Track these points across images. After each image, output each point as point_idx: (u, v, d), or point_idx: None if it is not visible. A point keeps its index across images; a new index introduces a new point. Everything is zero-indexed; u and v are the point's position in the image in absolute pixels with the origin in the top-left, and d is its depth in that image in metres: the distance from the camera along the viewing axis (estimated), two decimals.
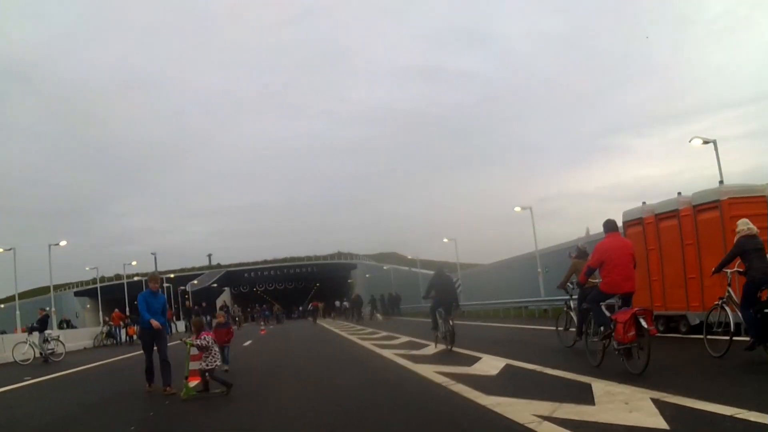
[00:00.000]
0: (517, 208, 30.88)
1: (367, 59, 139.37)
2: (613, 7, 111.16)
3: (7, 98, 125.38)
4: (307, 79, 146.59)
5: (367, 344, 15.84)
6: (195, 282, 62.77)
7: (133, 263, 53.36)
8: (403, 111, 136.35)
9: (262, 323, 31.30)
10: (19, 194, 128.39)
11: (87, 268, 53.20)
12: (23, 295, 79.04)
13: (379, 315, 38.32)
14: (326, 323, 38.32)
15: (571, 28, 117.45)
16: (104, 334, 27.66)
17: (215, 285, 66.55)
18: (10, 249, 32.57)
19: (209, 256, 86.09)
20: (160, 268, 77.59)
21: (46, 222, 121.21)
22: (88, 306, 64.85)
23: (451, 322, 12.24)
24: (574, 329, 10.49)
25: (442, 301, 12.91)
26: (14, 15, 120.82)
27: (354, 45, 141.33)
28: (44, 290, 72.25)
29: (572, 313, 10.89)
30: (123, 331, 28.78)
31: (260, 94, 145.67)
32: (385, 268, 58.93)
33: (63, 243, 34.78)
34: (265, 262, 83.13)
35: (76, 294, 67.58)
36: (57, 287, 72.44)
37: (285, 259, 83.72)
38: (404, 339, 16.59)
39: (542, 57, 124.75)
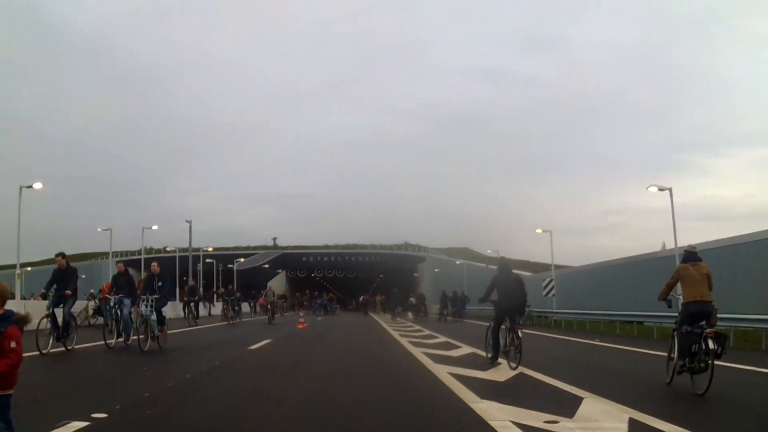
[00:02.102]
0: (538, 230, 34.75)
1: (434, 57, 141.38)
2: (688, 23, 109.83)
3: (76, 70, 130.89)
4: (371, 72, 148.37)
5: (442, 369, 11.48)
6: (242, 260, 60.59)
7: (154, 227, 47.69)
8: (466, 111, 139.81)
9: (301, 314, 27.53)
10: (81, 164, 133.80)
11: (99, 229, 47.54)
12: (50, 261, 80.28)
13: (449, 316, 33.90)
14: (384, 320, 34.32)
15: (644, 40, 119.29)
16: (91, 312, 22.55)
17: (267, 266, 64.16)
18: (107, 229, 38.66)
19: (274, 239, 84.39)
20: (217, 245, 76.84)
21: (104, 193, 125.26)
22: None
23: (519, 334, 9.62)
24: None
25: (507, 306, 10.15)
26: None
27: (421, 41, 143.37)
28: (80, 257, 72.68)
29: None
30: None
31: (323, 84, 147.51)
32: (458, 263, 54.39)
33: (155, 227, 40.85)
34: (326, 246, 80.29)
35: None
36: (92, 255, 73.20)
37: (347, 246, 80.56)
38: (466, 350, 12.39)
39: (612, 67, 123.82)
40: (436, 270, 61.63)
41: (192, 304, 25.54)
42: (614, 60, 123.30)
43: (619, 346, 14.88)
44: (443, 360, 10.58)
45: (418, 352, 11.86)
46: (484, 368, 9.37)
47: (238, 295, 31.15)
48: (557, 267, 48.82)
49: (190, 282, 32.00)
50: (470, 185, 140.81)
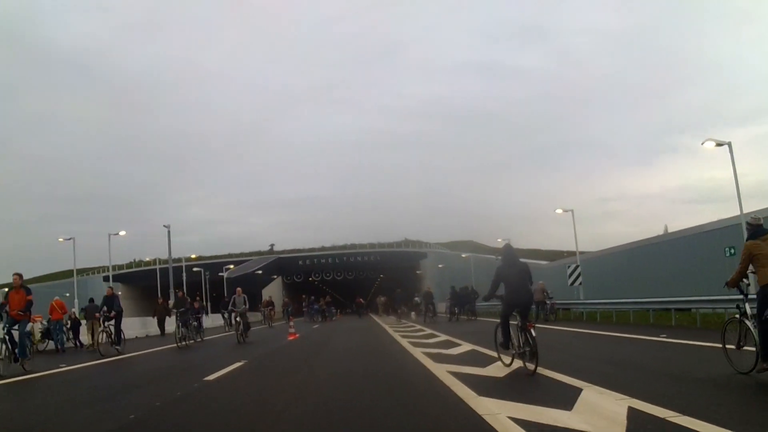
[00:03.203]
0: (559, 210, 31.05)
1: (424, 54, 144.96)
2: (673, 3, 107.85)
3: (68, 88, 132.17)
4: (363, 74, 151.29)
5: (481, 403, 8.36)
6: (231, 267, 57.25)
7: (122, 233, 44.74)
8: (459, 107, 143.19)
9: (291, 324, 23.30)
10: (77, 183, 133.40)
11: (60, 239, 42.09)
12: (47, 278, 77.09)
13: (462, 315, 30.37)
14: (388, 323, 31.08)
15: (631, 25, 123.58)
16: (39, 335, 19.47)
17: (260, 272, 60.79)
18: (69, 239, 34.41)
19: (272, 245, 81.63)
20: (211, 254, 73.56)
21: (103, 210, 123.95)
22: (120, 293, 60.55)
23: (532, 332, 8.36)
24: (753, 348, 7.04)
25: (515, 300, 8.98)
26: (78, 7, 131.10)
27: (410, 40, 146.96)
28: (67, 274, 69.38)
29: (749, 323, 7.24)
30: (71, 332, 21.32)
31: (316, 87, 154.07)
32: (463, 256, 51.25)
33: (123, 233, 36.04)
34: (323, 248, 77.14)
35: (106, 279, 63.79)
36: (82, 271, 69.64)
37: (345, 246, 77.45)
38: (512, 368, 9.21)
39: (601, 54, 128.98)
40: (440, 266, 58.49)
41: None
42: (604, 46, 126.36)
43: (681, 340, 11.69)
44: (473, 381, 7.41)
45: (444, 374, 8.64)
46: (546, 395, 6.21)
47: (194, 305, 24.19)
48: (570, 254, 45.80)
49: (179, 294, 28.60)
50: (469, 179, 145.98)
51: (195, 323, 21.32)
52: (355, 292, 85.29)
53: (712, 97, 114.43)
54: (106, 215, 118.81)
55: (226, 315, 30.32)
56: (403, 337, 18.51)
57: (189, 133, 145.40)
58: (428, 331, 21.33)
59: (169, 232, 35.81)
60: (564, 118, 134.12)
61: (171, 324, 22.26)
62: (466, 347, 13.22)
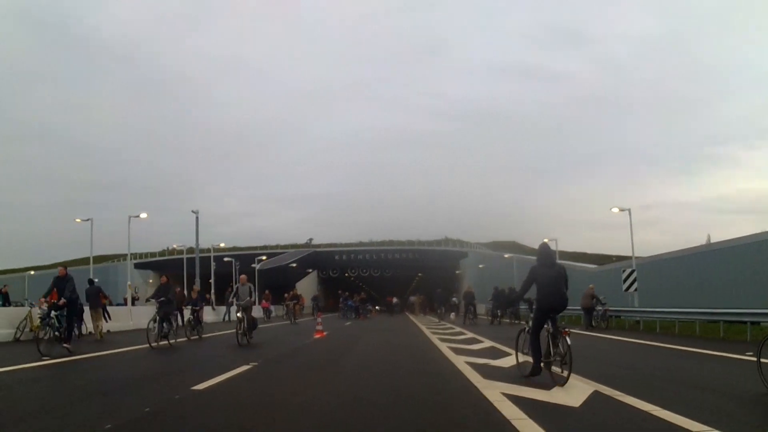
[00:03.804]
0: (615, 209, 29.60)
1: (464, 55, 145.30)
2: (716, 12, 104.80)
3: (109, 76, 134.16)
4: (402, 72, 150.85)
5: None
6: (263, 258, 56.08)
7: (143, 215, 43.61)
8: (499, 108, 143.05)
9: (319, 320, 20.88)
10: (115, 171, 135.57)
11: (77, 220, 40.08)
12: (76, 263, 77.57)
13: (505, 317, 28.27)
14: (425, 324, 29.28)
15: (672, 32, 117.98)
16: (37, 321, 15.62)
17: (294, 265, 59.59)
18: (87, 219, 34.67)
19: (310, 239, 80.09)
20: (244, 246, 72.87)
21: (138, 199, 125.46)
22: (151, 281, 60.36)
23: (568, 340, 7.63)
24: None
25: (548, 304, 8.10)
26: None
27: (451, 40, 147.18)
28: (98, 259, 69.42)
29: None
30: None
31: (354, 84, 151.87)
32: (506, 256, 48.96)
33: (144, 215, 35.68)
34: (360, 244, 75.63)
35: (137, 266, 63.58)
36: (112, 257, 69.79)
37: (383, 242, 75.71)
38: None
39: (642, 61, 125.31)
40: (481, 266, 56.24)
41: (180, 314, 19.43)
42: (641, 53, 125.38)
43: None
44: (540, 412, 5.55)
45: (500, 399, 6.80)
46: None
47: (191, 294, 22.19)
48: (620, 258, 43.10)
49: (195, 286, 27.36)
50: (509, 181, 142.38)
51: (192, 317, 18.71)
52: (392, 289, 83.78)
53: (756, 108, 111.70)
54: (140, 203, 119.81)
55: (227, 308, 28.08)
56: (443, 340, 16.68)
57: (226, 126, 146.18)
58: (469, 334, 19.46)
59: (197, 218, 34.66)
60: (603, 124, 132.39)
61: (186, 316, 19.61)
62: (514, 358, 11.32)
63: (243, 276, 17.56)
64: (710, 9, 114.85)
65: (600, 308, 24.33)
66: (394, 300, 54.11)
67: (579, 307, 24.16)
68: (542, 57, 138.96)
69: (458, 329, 23.17)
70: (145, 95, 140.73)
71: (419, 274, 78.76)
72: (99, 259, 71.27)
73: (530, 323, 8.45)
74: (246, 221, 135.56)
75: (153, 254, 68.86)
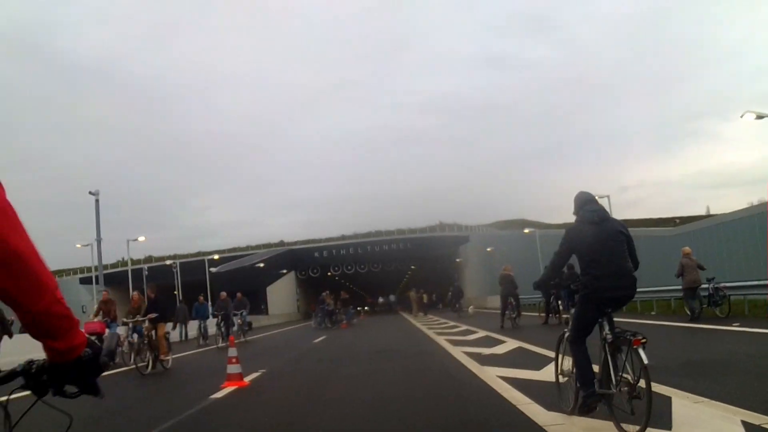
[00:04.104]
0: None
1: (435, 49, 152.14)
2: None
3: (87, 94, 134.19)
4: (375, 71, 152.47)
5: None
6: (215, 257, 46.21)
7: (141, 239, 38.18)
8: (472, 100, 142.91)
9: (232, 355, 10.36)
10: (97, 188, 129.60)
11: (78, 245, 38.55)
12: None
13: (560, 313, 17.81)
14: (434, 329, 19.75)
15: (640, 11, 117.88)
16: None
17: (261, 265, 49.64)
18: (87, 245, 31.91)
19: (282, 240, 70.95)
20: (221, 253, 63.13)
21: (125, 215, 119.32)
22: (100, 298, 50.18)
23: (642, 355, 4.14)
24: None
25: (608, 291, 4.70)
26: (90, 17, 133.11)
27: (421, 36, 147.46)
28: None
29: None
30: None
31: (329, 86, 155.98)
32: (527, 231, 39.69)
33: (141, 239, 33.36)
34: (342, 237, 65.94)
35: (83, 282, 53.56)
36: (57, 273, 59.55)
37: (368, 234, 66.19)
38: None
39: (613, 42, 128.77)
40: (489, 249, 46.73)
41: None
42: (614, 34, 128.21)
43: None
44: None
45: None
46: None
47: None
48: (681, 220, 33.97)
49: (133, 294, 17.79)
50: (490, 170, 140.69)
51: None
52: (382, 286, 74.11)
53: (731, 81, 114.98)
54: (124, 220, 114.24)
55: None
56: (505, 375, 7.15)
57: (205, 137, 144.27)
58: (542, 352, 9.90)
59: (97, 200, 24.79)
60: (578, 108, 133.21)
61: None
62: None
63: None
64: None
65: (708, 285, 15.07)
66: (381, 299, 46.40)
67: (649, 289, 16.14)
68: (512, 46, 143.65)
69: (503, 337, 13.52)
70: (124, 111, 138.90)
71: (412, 267, 69.46)
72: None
73: (571, 323, 4.90)
74: (232, 231, 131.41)
75: (105, 266, 58.66)
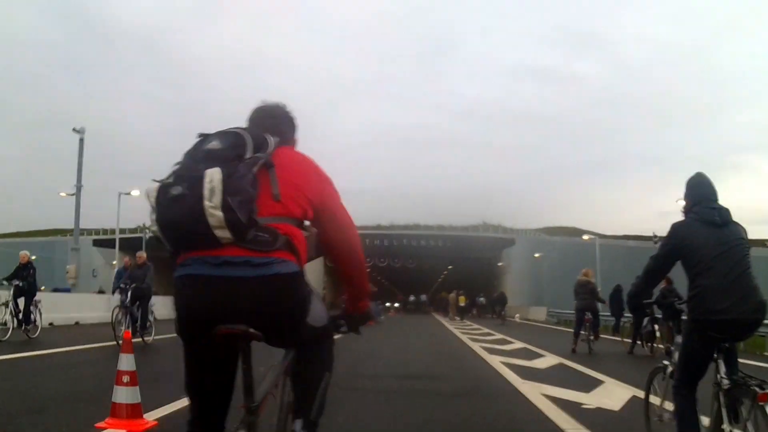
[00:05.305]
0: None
1: (481, 56, 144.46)
2: (731, 20, 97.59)
3: (129, 63, 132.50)
4: (420, 71, 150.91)
5: None
6: None
7: (134, 192, 35.23)
8: (514, 109, 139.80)
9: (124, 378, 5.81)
10: (132, 156, 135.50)
11: (62, 194, 34.15)
12: (27, 234, 65.48)
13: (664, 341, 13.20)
14: (465, 332, 15.71)
15: (688, 38, 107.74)
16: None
17: None
18: (72, 194, 27.87)
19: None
20: None
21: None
22: (115, 262, 47.50)
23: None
24: None
25: (725, 313, 3.20)
26: None
27: (469, 42, 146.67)
28: (54, 232, 57.19)
29: None
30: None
31: (371, 81, 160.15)
32: (586, 238, 35.34)
33: (135, 192, 33.30)
34: (378, 227, 62.02)
35: (96, 243, 50.99)
36: (65, 232, 57.15)
37: (407, 227, 62.09)
38: None
39: (657, 65, 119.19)
40: (537, 255, 42.31)
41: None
42: (662, 58, 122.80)
43: None
44: None
45: None
46: None
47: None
48: None
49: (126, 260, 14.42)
50: (529, 180, 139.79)
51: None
52: (415, 284, 70.16)
53: None
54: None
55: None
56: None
57: (243, 117, 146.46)
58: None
59: (81, 139, 21.57)
60: (620, 126, 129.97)
61: None
62: None
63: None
64: (721, 16, 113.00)
65: None
66: (412, 297, 43.66)
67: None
68: (557, 59, 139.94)
69: (617, 384, 9.44)
70: (166, 85, 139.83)
71: (449, 267, 65.34)
72: (53, 232, 59.20)
73: (676, 356, 3.68)
74: None
75: (123, 231, 56.11)
